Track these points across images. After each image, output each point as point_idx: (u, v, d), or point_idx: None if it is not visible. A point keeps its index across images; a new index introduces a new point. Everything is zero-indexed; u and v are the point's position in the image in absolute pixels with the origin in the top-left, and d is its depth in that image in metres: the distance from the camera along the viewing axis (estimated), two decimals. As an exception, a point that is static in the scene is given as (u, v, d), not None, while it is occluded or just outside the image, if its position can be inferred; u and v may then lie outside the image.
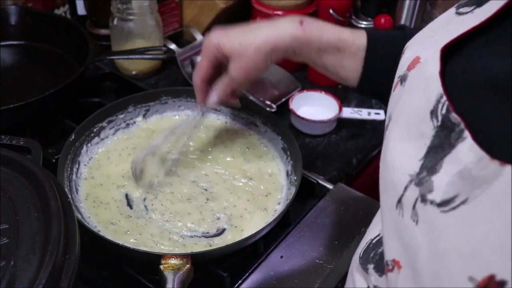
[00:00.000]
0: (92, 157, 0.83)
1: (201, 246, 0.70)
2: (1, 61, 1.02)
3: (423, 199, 0.41)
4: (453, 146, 0.39)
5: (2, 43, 1.04)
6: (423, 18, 1.16)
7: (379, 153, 1.00)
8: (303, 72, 1.13)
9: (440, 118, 0.41)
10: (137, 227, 0.72)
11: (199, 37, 1.17)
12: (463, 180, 0.37)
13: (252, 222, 0.74)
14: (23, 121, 0.87)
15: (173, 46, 1.11)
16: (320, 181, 0.86)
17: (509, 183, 0.34)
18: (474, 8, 0.48)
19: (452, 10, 0.52)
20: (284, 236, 0.77)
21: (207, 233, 0.72)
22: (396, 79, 0.53)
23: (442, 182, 0.39)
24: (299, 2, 1.09)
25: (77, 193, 0.77)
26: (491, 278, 0.35)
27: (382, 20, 1.03)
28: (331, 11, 1.04)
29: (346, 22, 1.08)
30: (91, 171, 0.81)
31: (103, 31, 1.15)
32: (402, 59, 0.54)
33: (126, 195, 0.77)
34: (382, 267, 0.52)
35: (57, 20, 1.07)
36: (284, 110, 1.01)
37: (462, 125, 0.39)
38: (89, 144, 0.83)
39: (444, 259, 0.38)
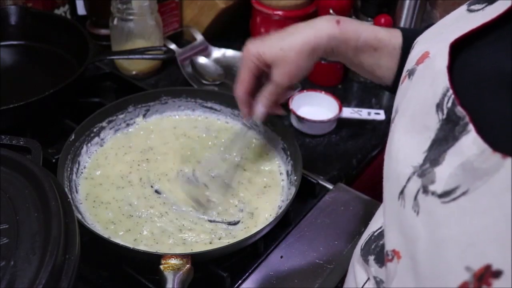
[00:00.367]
0: (91, 157, 0.83)
1: (201, 245, 0.70)
2: (1, 61, 1.02)
3: (425, 190, 0.42)
4: (457, 139, 0.40)
5: (2, 43, 1.04)
6: (423, 18, 1.16)
7: (379, 153, 1.00)
8: (303, 72, 1.13)
9: (445, 111, 0.42)
10: (138, 226, 0.72)
11: (199, 37, 1.17)
12: (465, 172, 0.38)
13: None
14: (23, 121, 0.87)
15: (173, 46, 1.11)
16: (320, 181, 0.86)
17: (509, 176, 0.35)
18: (486, 6, 0.49)
19: (464, 7, 0.52)
20: (284, 236, 0.77)
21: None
22: (404, 73, 0.54)
23: (444, 173, 0.40)
24: (299, 2, 1.09)
25: (77, 193, 0.77)
26: (487, 267, 0.35)
27: (382, 20, 1.03)
28: (331, 11, 1.04)
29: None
30: (90, 171, 0.81)
31: (103, 31, 1.15)
32: (412, 54, 0.54)
33: (126, 195, 0.77)
34: (382, 258, 0.53)
35: (57, 20, 1.07)
36: (284, 110, 1.01)
37: (467, 119, 0.39)
38: (89, 144, 0.83)
39: (442, 248, 0.39)
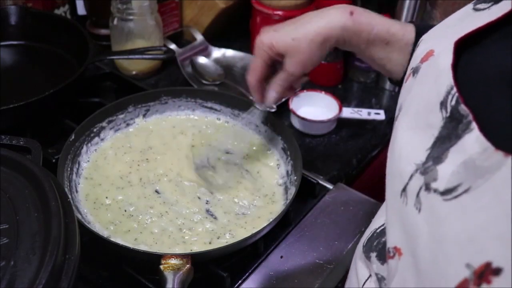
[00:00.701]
0: (91, 157, 0.83)
1: (201, 244, 0.70)
2: (1, 61, 1.02)
3: (427, 188, 0.42)
4: (460, 137, 0.40)
5: (2, 43, 1.04)
6: (423, 18, 1.16)
7: (379, 153, 1.00)
8: (303, 72, 1.13)
9: (449, 109, 0.42)
10: (138, 226, 0.72)
11: (199, 37, 1.17)
12: (467, 169, 0.38)
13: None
14: (23, 121, 0.87)
15: (173, 46, 1.11)
16: (320, 181, 0.86)
17: (511, 174, 0.35)
18: (492, 5, 0.49)
19: (469, 6, 0.52)
20: (284, 236, 0.77)
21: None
22: (408, 71, 0.54)
23: (447, 171, 0.40)
24: (299, 2, 1.09)
25: (77, 193, 0.77)
26: (487, 265, 0.35)
27: (382, 20, 1.03)
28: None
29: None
30: (90, 171, 0.81)
31: (103, 31, 1.15)
32: (416, 52, 0.54)
33: (125, 196, 0.77)
34: (384, 255, 0.53)
35: (57, 20, 1.07)
36: (284, 110, 1.01)
37: (470, 117, 0.39)
38: (89, 144, 0.83)
39: (443, 245, 0.39)
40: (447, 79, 0.43)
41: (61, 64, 1.03)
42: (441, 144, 0.42)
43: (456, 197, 0.39)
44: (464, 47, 0.47)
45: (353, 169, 0.95)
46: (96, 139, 0.84)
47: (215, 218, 0.75)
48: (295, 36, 0.67)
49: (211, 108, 0.92)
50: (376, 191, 0.80)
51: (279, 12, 1.08)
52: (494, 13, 0.47)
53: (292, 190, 0.76)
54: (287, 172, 0.82)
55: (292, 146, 0.82)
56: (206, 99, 0.91)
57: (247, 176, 0.82)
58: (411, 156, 0.46)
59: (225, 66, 1.14)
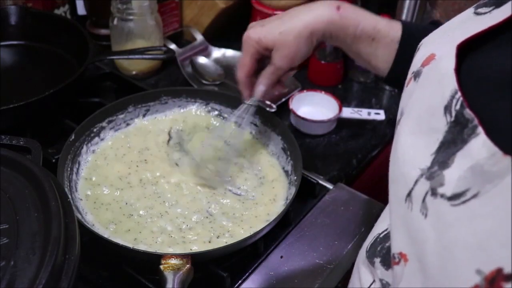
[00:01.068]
0: (91, 157, 0.83)
1: (201, 243, 0.70)
2: (1, 61, 1.02)
3: (434, 193, 0.42)
4: (465, 141, 0.40)
5: (2, 43, 1.04)
6: (423, 18, 1.16)
7: (379, 153, 1.00)
8: (303, 72, 1.13)
9: (454, 113, 0.42)
10: (138, 226, 0.72)
11: (199, 37, 1.17)
12: (475, 175, 0.38)
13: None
14: (23, 121, 0.87)
15: (173, 46, 1.11)
16: (320, 181, 0.86)
17: None
18: (493, 9, 0.48)
19: (471, 10, 0.52)
20: (284, 236, 0.77)
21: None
22: (409, 75, 0.54)
23: (454, 176, 0.40)
24: (299, 2, 1.09)
25: (77, 193, 0.77)
26: (498, 271, 0.35)
27: (382, 20, 1.03)
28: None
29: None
30: (90, 171, 0.81)
31: (103, 31, 1.15)
32: (417, 56, 0.54)
33: (126, 196, 0.77)
34: (388, 261, 0.53)
35: (57, 20, 1.07)
36: (284, 110, 1.01)
37: (476, 121, 0.39)
38: (89, 144, 0.83)
39: (452, 251, 0.39)
40: (451, 83, 0.43)
41: (61, 64, 1.03)
42: (446, 149, 0.42)
43: (464, 202, 0.38)
44: (466, 51, 0.47)
45: (353, 169, 0.95)
46: (96, 139, 0.84)
47: (215, 218, 0.75)
48: (282, 30, 0.68)
49: (211, 108, 0.92)
50: (376, 191, 0.80)
51: (279, 12, 1.08)
52: (495, 17, 0.47)
53: (292, 190, 0.76)
54: (287, 172, 0.82)
55: (292, 146, 0.82)
56: (206, 99, 0.91)
57: (246, 176, 0.82)
58: (415, 161, 0.45)
59: (225, 66, 1.14)
